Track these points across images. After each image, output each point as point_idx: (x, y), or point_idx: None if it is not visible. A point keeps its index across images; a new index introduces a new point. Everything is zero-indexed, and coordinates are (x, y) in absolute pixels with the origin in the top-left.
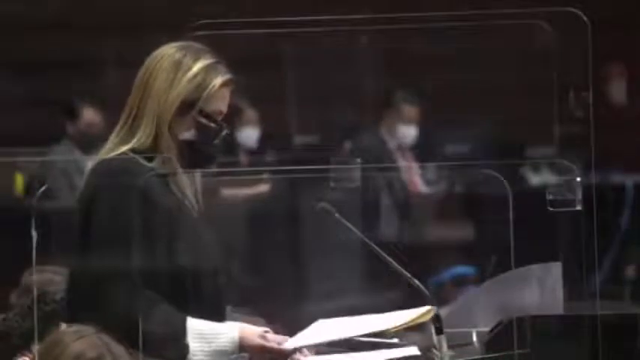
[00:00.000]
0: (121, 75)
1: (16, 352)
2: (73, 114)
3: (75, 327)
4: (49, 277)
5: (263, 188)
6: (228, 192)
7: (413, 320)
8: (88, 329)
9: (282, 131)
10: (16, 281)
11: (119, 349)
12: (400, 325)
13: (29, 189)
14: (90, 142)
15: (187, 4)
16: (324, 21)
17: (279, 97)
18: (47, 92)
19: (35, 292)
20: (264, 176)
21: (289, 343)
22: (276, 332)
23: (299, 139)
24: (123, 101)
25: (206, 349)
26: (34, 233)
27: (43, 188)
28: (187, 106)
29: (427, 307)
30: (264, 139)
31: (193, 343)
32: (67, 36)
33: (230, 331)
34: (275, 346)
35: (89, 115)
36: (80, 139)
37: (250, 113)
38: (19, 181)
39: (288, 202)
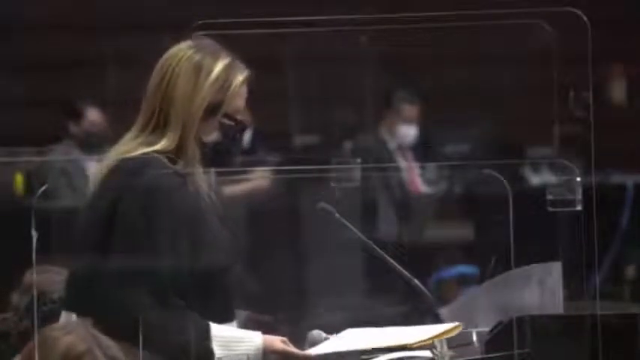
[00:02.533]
0: (122, 75)
1: (15, 353)
2: (76, 114)
3: (63, 322)
4: (50, 278)
5: (259, 183)
6: (225, 190)
7: (439, 335)
8: (76, 323)
9: (282, 131)
10: (16, 281)
11: (108, 342)
12: (425, 340)
13: (29, 189)
14: (93, 142)
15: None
16: (324, 21)
17: (279, 97)
18: (47, 92)
19: (35, 292)
20: (260, 174)
21: (312, 350)
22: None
23: (299, 139)
24: (124, 100)
25: (230, 354)
26: (34, 233)
27: (43, 188)
28: (212, 109)
29: (454, 324)
30: (264, 139)
31: (217, 350)
32: (67, 36)
33: (253, 337)
34: (299, 352)
35: (92, 115)
36: (83, 139)
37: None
38: (19, 181)
39: (288, 203)
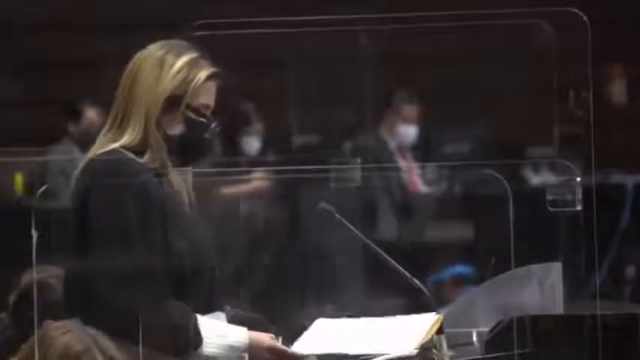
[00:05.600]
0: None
1: (12, 354)
2: (75, 114)
3: (60, 322)
4: (46, 279)
5: (258, 184)
6: (225, 190)
7: (425, 335)
8: (73, 323)
9: (282, 131)
10: (15, 281)
11: (105, 342)
12: (414, 346)
13: (29, 189)
14: (92, 142)
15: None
16: (324, 21)
17: (279, 97)
18: (47, 92)
19: (35, 292)
20: (261, 175)
21: (297, 347)
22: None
23: (299, 139)
24: None
25: (218, 342)
26: (34, 233)
27: (43, 188)
28: (174, 101)
29: (434, 316)
30: (265, 140)
31: (206, 335)
32: (67, 36)
33: (240, 331)
34: (286, 349)
35: (91, 114)
36: (82, 139)
37: (257, 125)
38: (19, 181)
39: (288, 203)
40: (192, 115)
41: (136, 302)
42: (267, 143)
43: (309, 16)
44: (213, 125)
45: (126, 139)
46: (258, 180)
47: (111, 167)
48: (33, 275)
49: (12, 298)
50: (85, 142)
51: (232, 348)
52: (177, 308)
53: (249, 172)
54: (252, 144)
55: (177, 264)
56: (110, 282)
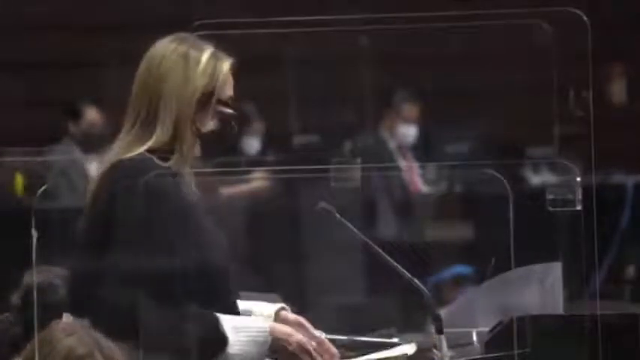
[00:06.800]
0: (122, 74)
1: (16, 354)
2: (75, 114)
3: (64, 323)
4: (50, 279)
5: (259, 184)
6: (225, 190)
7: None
8: (77, 325)
9: (282, 131)
10: (15, 281)
11: (109, 345)
12: None
13: (29, 189)
14: (92, 142)
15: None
16: (324, 21)
17: (279, 97)
18: (47, 92)
19: (35, 293)
20: (260, 175)
21: None
22: None
23: (299, 139)
24: (124, 100)
25: (242, 339)
26: (34, 233)
27: (43, 188)
28: (205, 98)
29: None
30: (265, 140)
31: (229, 335)
32: (67, 36)
33: (260, 323)
34: (304, 338)
35: (91, 114)
36: (82, 139)
37: (257, 125)
38: (19, 181)
39: (288, 203)
40: (223, 109)
41: (154, 314)
42: (267, 143)
43: (309, 16)
44: (239, 115)
45: (154, 141)
46: (258, 180)
47: (137, 172)
48: (42, 275)
49: (16, 298)
50: (86, 141)
51: (255, 343)
52: (196, 312)
53: (249, 172)
54: (252, 144)
55: (197, 271)
56: (126, 288)
